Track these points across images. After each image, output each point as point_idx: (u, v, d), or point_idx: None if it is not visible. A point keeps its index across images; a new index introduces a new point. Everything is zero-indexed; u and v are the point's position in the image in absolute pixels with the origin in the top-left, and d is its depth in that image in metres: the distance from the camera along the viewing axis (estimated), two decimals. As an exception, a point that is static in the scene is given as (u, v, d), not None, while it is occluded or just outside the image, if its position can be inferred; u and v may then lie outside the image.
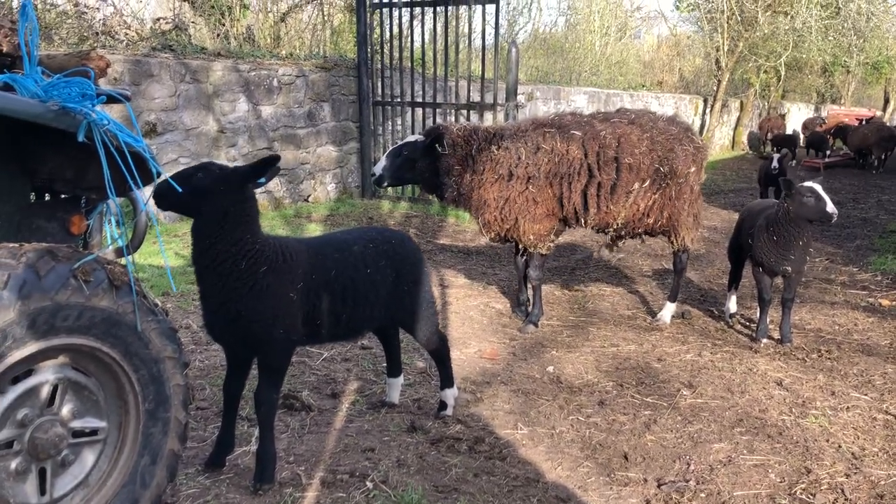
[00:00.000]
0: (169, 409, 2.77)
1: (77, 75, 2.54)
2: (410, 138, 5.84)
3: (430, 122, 10.87)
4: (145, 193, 2.85)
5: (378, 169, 5.74)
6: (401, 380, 4.37)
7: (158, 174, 2.72)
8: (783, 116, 26.00)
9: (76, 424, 2.53)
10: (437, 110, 10.90)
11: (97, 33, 9.39)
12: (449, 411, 4.21)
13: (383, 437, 3.92)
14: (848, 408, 4.50)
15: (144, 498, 2.73)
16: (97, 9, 9.86)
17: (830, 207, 5.18)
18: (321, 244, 3.68)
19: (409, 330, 4.02)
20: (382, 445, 3.81)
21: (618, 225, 5.73)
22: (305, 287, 3.32)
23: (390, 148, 5.87)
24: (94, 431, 2.59)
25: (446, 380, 4.22)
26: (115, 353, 2.55)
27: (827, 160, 20.28)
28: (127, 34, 9.91)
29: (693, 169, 5.76)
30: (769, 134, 23.76)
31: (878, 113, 33.49)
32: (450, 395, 4.24)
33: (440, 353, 4.15)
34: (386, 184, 5.81)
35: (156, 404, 2.72)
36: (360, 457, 3.68)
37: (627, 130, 5.61)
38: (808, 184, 5.25)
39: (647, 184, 5.61)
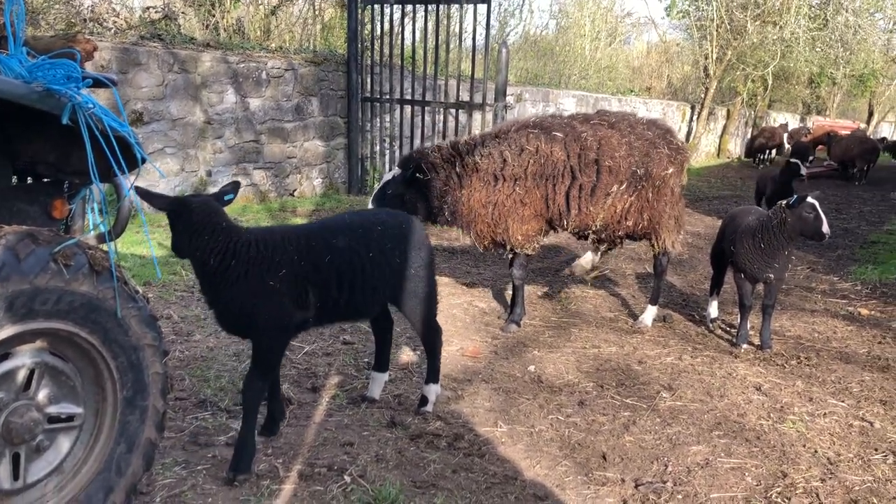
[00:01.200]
0: (147, 398, 2.75)
1: (63, 57, 2.51)
2: (388, 175, 5.73)
3: (418, 120, 10.87)
4: (130, 179, 2.83)
5: None
6: (385, 376, 4.35)
7: (143, 160, 2.70)
8: (784, 126, 26.27)
9: (52, 410, 2.50)
10: (426, 108, 10.89)
11: (85, 20, 9.33)
12: (429, 407, 4.20)
13: (362, 431, 3.91)
14: (825, 414, 4.54)
15: (119, 486, 2.70)
16: (86, -6, 9.80)
17: (825, 228, 5.24)
18: (316, 229, 3.70)
19: (408, 314, 3.99)
20: (361, 440, 3.80)
21: (596, 227, 5.73)
22: (291, 273, 3.35)
23: (373, 194, 5.73)
24: (70, 417, 2.56)
25: (432, 374, 4.21)
26: (94, 339, 2.53)
27: (811, 171, 20.46)
28: (115, 22, 9.85)
29: (671, 170, 5.76)
30: (759, 141, 24.10)
31: (862, 125, 33.89)
32: (433, 390, 4.23)
33: (433, 344, 4.15)
34: None
35: (134, 392, 2.70)
36: (339, 451, 3.67)
37: (608, 133, 5.64)
38: (809, 199, 5.29)
39: (624, 186, 5.63)
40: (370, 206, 5.62)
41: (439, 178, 5.52)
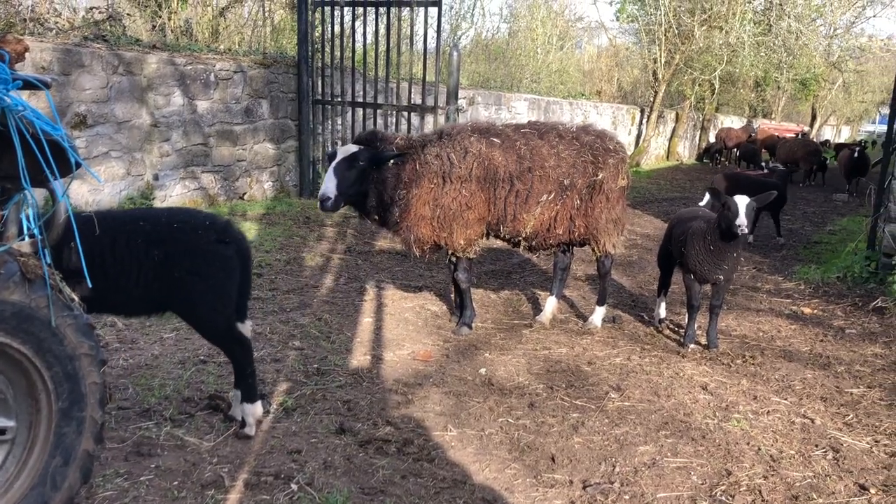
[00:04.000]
0: (84, 409, 2.67)
1: (-9, 59, 2.43)
2: (349, 148, 5.31)
3: (370, 124, 10.82)
4: (63, 184, 2.75)
5: (330, 191, 5.13)
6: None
7: (77, 164, 2.62)
8: (745, 128, 26.95)
9: (-19, 424, 2.42)
10: (378, 111, 10.85)
11: (25, 20, 9.06)
12: (248, 430, 3.81)
13: (311, 438, 3.87)
14: (769, 412, 4.63)
15: (55, 500, 2.62)
16: (26, -6, 9.52)
17: (739, 220, 5.18)
18: (99, 216, 3.49)
19: (188, 323, 3.80)
20: (309, 447, 3.76)
21: (526, 234, 5.76)
22: (55, 255, 3.13)
23: (331, 167, 5.19)
24: (1, 431, 2.48)
25: (246, 392, 3.84)
26: (27, 350, 2.45)
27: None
28: (57, 22, 9.60)
29: (601, 175, 5.79)
30: (725, 143, 24.85)
31: (806, 129, 34.84)
32: (249, 411, 3.84)
33: (233, 357, 3.81)
34: (342, 203, 5.29)
35: (70, 403, 2.62)
36: (286, 458, 3.62)
37: (538, 143, 5.69)
38: (735, 196, 5.34)
39: (552, 196, 5.67)
40: (332, 179, 5.14)
41: (405, 167, 5.38)
